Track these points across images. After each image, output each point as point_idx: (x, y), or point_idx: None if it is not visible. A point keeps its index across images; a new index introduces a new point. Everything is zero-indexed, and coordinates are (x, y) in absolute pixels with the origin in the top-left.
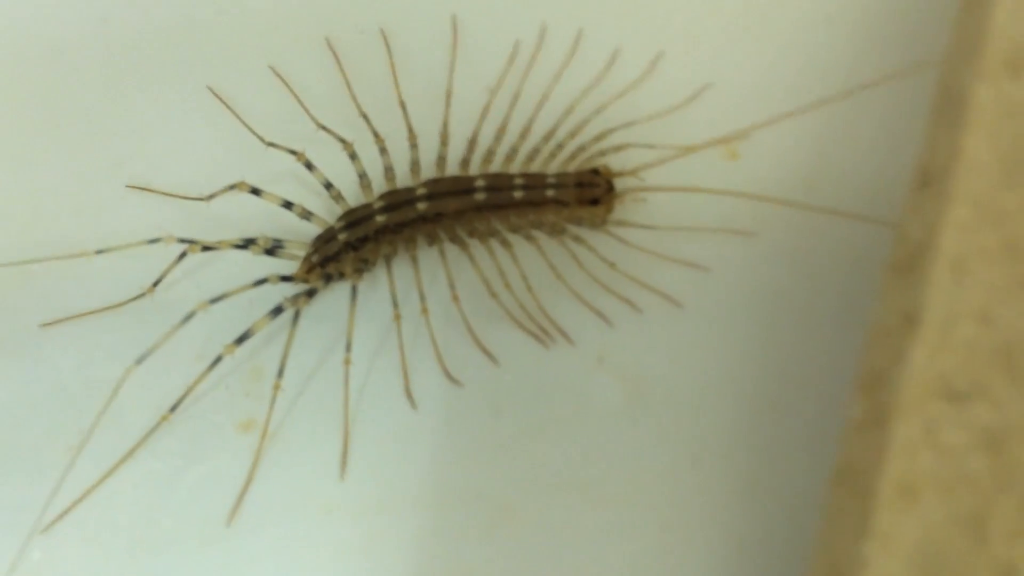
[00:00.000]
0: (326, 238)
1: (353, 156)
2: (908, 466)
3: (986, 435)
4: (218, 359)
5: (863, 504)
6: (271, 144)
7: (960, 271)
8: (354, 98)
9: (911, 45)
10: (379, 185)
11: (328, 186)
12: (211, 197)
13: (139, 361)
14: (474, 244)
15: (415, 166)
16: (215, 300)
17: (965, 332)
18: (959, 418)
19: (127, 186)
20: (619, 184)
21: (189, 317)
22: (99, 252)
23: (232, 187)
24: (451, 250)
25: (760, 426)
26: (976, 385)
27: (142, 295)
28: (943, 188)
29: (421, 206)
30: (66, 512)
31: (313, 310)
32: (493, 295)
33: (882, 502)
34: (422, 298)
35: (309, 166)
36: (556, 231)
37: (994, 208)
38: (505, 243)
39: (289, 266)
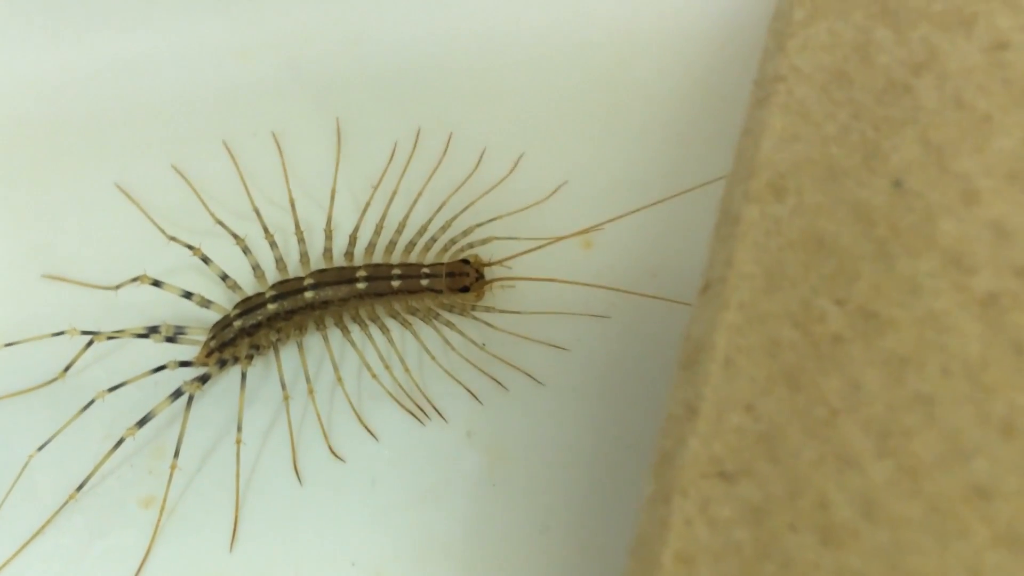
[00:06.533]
0: (223, 325)
1: (246, 250)
2: (686, 538)
3: (750, 510)
4: (120, 441)
5: (650, 573)
6: (172, 238)
7: (729, 367)
8: (249, 196)
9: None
10: (273, 275)
11: (224, 277)
12: (118, 287)
13: (40, 448)
14: (356, 330)
15: (304, 258)
16: (114, 388)
17: (734, 420)
18: (728, 495)
19: (43, 276)
20: (487, 273)
21: (88, 405)
22: (7, 345)
23: (135, 279)
24: (335, 336)
25: (604, 494)
26: (742, 466)
27: (54, 380)
28: (718, 293)
29: (309, 294)
30: None
31: (213, 393)
32: (374, 376)
33: (664, 571)
34: (308, 380)
35: (205, 260)
36: (430, 316)
37: (757, 312)
38: (384, 328)
39: (192, 350)
